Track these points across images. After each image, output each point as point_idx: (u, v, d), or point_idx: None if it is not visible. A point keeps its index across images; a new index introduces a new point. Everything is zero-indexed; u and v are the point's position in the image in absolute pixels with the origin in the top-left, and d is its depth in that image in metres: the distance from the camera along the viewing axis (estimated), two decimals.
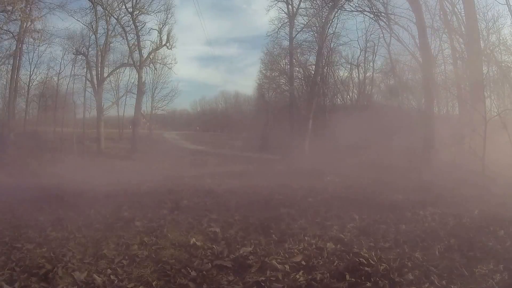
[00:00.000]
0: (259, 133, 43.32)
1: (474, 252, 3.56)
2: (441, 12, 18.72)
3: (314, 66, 26.95)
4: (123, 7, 29.04)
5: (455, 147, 10.67)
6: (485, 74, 17.60)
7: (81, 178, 11.85)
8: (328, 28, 23.33)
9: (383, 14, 21.39)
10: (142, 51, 30.62)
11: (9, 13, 20.26)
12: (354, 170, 11.52)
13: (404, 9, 17.36)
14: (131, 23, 29.73)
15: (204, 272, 3.28)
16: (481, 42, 17.10)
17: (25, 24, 22.41)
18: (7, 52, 24.13)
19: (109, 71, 31.36)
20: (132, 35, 30.07)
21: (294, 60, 33.07)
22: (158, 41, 31.82)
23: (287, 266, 3.33)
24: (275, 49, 34.62)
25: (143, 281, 3.10)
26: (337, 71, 32.95)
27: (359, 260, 3.31)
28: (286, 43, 34.29)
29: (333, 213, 5.63)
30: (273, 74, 36.17)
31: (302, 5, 32.00)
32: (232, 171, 14.43)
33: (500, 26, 19.33)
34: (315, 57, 25.78)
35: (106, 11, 28.54)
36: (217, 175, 12.40)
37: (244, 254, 3.64)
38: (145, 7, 29.92)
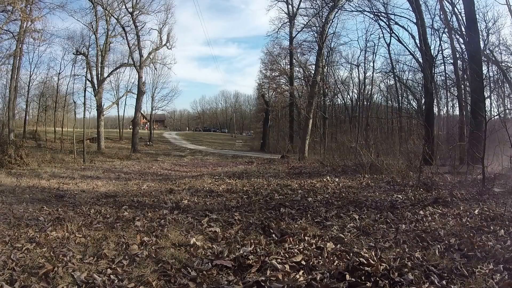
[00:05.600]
0: (259, 133, 43.35)
1: (474, 252, 3.56)
2: (441, 12, 18.76)
3: (314, 66, 26.96)
4: (123, 7, 29.08)
5: (455, 147, 10.66)
6: (485, 74, 17.63)
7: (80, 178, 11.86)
8: (328, 28, 23.35)
9: (383, 14, 21.48)
10: (142, 51, 30.67)
11: (9, 13, 20.29)
12: (354, 169, 11.52)
13: (404, 9, 17.51)
14: (131, 23, 29.76)
15: (204, 272, 3.28)
16: (481, 42, 17.14)
17: (25, 24, 22.42)
18: (7, 52, 24.19)
19: (109, 71, 31.43)
20: (132, 35, 30.12)
21: (294, 60, 33.11)
22: (158, 41, 31.91)
23: (287, 266, 3.33)
24: (275, 49, 34.74)
25: (143, 281, 3.10)
26: (337, 71, 32.99)
27: (359, 260, 3.31)
28: (286, 43, 34.43)
29: (333, 213, 5.63)
30: (273, 74, 36.24)
31: (302, 5, 32.12)
32: (232, 171, 14.45)
33: (500, 26, 19.40)
34: (315, 57, 25.82)
35: (106, 11, 28.55)
36: (217, 175, 12.41)
37: (244, 254, 3.64)
38: (145, 7, 29.98)
